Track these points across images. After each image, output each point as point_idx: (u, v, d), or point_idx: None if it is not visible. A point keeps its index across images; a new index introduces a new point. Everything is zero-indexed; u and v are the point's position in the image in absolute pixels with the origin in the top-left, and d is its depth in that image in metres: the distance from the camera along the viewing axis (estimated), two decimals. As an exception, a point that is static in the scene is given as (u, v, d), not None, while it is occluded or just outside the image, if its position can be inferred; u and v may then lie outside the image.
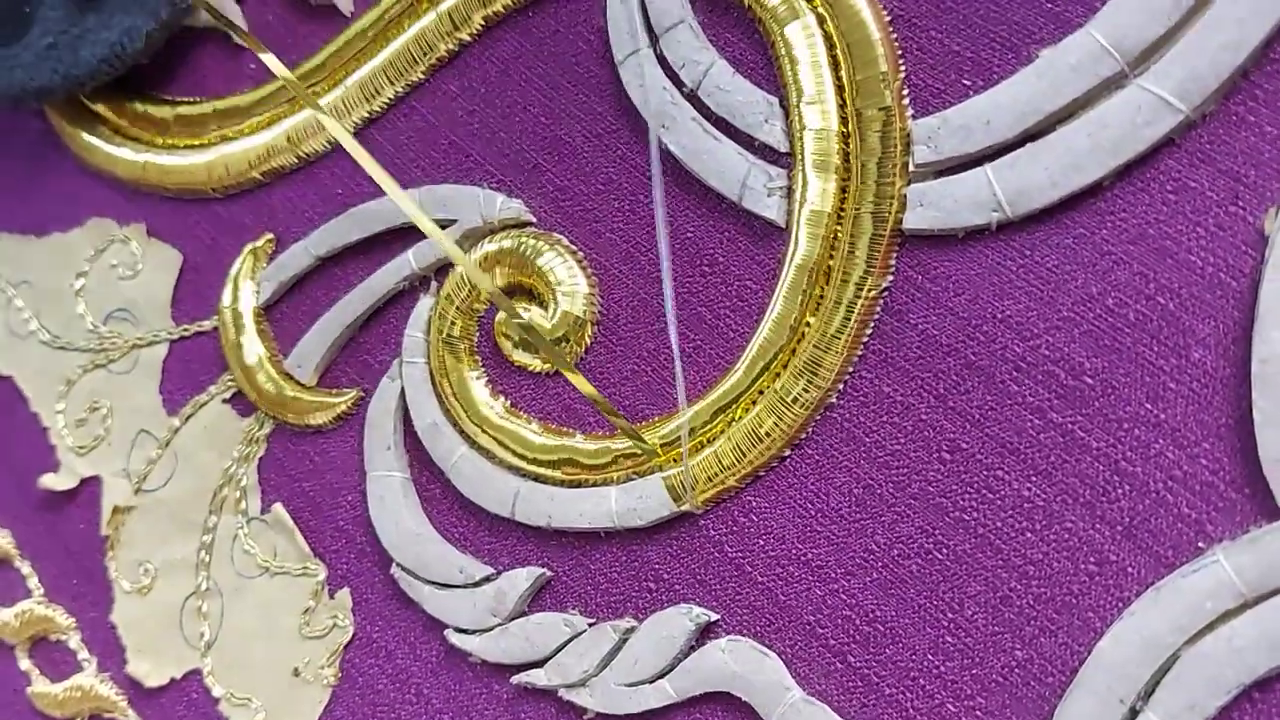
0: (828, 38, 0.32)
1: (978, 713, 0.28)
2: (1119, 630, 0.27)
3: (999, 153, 0.29)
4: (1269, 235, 0.26)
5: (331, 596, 0.37)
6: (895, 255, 0.31)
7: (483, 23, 0.38)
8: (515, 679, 0.33)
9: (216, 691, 0.39)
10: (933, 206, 0.30)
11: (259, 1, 0.42)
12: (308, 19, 0.41)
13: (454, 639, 0.35)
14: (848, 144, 0.31)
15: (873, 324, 0.31)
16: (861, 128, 0.31)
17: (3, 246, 0.46)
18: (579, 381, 0.31)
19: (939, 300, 0.30)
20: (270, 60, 0.36)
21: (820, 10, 0.32)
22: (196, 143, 0.43)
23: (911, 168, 0.30)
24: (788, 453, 0.31)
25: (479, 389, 0.36)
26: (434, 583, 0.35)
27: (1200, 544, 0.26)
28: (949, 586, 0.29)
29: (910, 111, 0.31)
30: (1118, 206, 0.28)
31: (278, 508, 0.38)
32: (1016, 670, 0.28)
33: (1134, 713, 0.26)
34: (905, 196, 0.30)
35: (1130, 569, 0.27)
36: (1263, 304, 0.26)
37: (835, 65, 0.31)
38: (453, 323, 0.36)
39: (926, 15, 0.31)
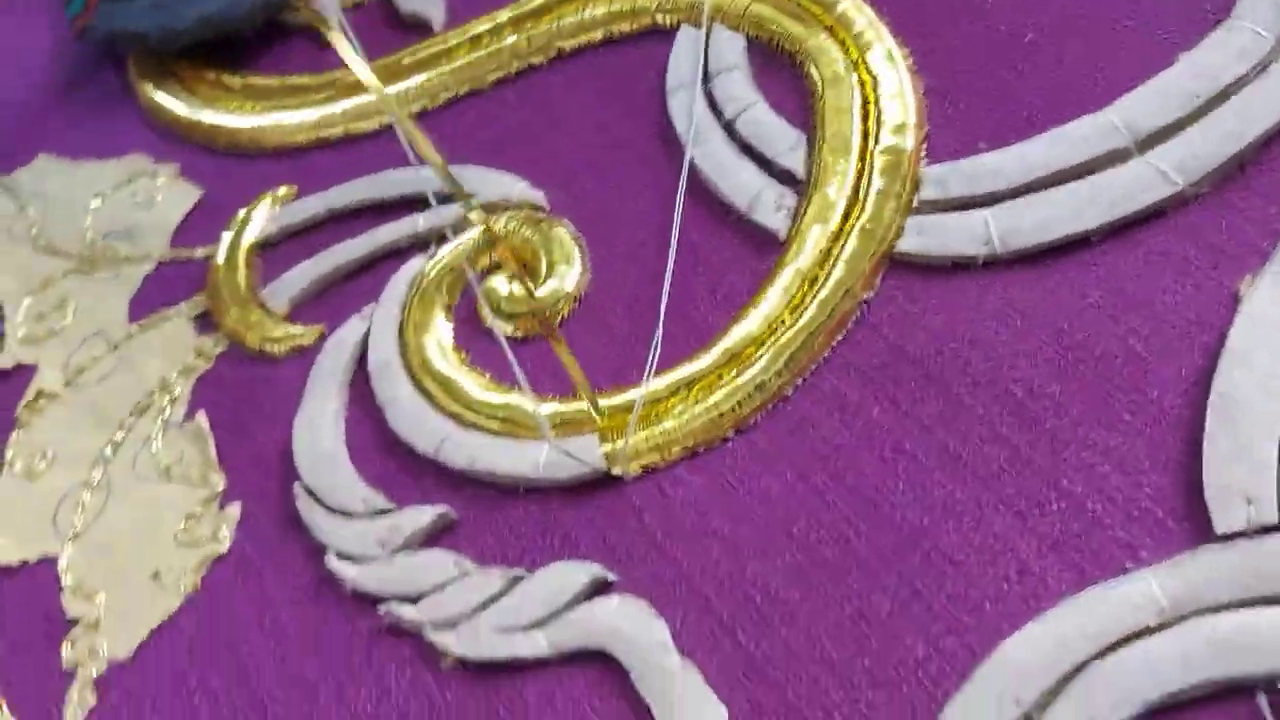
0: (865, 100, 0.34)
1: (862, 705, 0.26)
2: (1031, 631, 0.25)
3: (1001, 199, 0.31)
4: (1243, 295, 0.27)
5: (221, 509, 0.36)
6: (882, 275, 0.32)
7: (556, 52, 0.41)
8: (382, 608, 0.31)
9: (66, 581, 0.36)
10: (928, 235, 0.31)
11: (359, 13, 0.46)
12: (401, 33, 0.45)
13: (332, 563, 0.33)
14: (860, 179, 0.33)
15: (845, 331, 0.31)
16: (876, 167, 0.33)
17: (42, 163, 0.48)
18: (556, 342, 0.31)
19: (915, 319, 0.30)
20: (341, 44, 0.39)
21: (864, 77, 0.35)
22: (254, 106, 0.45)
23: (916, 204, 0.32)
24: (731, 435, 0.31)
25: (442, 340, 0.36)
26: (332, 508, 0.34)
27: (1129, 566, 0.25)
28: (861, 575, 0.28)
29: (925, 160, 0.33)
30: (1103, 260, 0.29)
31: (200, 416, 0.38)
32: (913, 667, 0.26)
33: (1027, 720, 0.24)
34: (904, 227, 0.32)
35: (1051, 581, 0.26)
36: (1230, 345, 0.27)
37: (865, 117, 0.34)
38: (440, 281, 0.37)
39: (958, 90, 0.33)
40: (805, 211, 0.33)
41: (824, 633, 0.27)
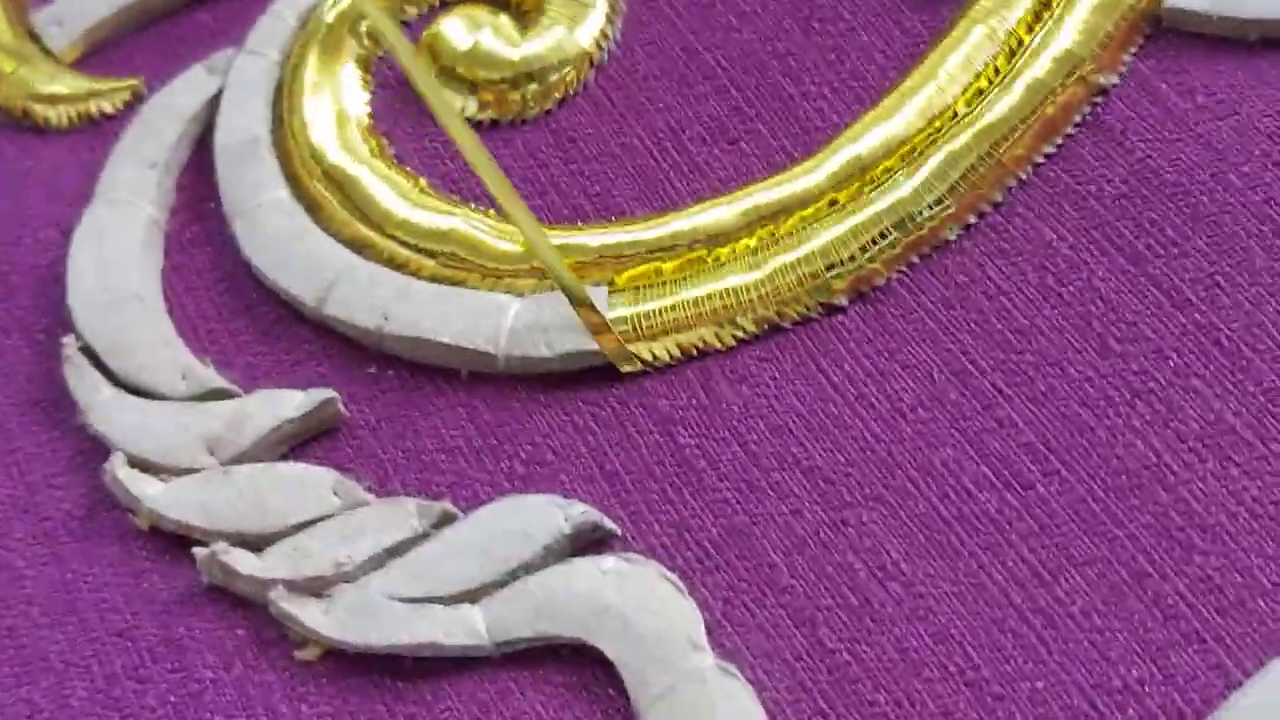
0: None
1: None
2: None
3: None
4: None
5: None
6: (1133, 50, 0.34)
7: None
8: (201, 555, 0.33)
9: None
10: (1223, -14, 0.33)
11: None
12: None
13: (119, 474, 0.34)
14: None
15: (1062, 137, 0.33)
16: None
17: None
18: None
19: (1183, 123, 0.32)
20: None
21: None
22: None
23: (1205, -70, 0.34)
24: (844, 302, 0.33)
25: (350, 114, 0.38)
26: (127, 383, 0.36)
27: None
28: (1048, 545, 0.29)
29: None
30: None
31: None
32: (1127, 697, 0.28)
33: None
34: (1184, -32, 0.34)
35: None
36: None
37: None
38: (352, 19, 0.39)
39: None
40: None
41: (970, 634, 0.29)
